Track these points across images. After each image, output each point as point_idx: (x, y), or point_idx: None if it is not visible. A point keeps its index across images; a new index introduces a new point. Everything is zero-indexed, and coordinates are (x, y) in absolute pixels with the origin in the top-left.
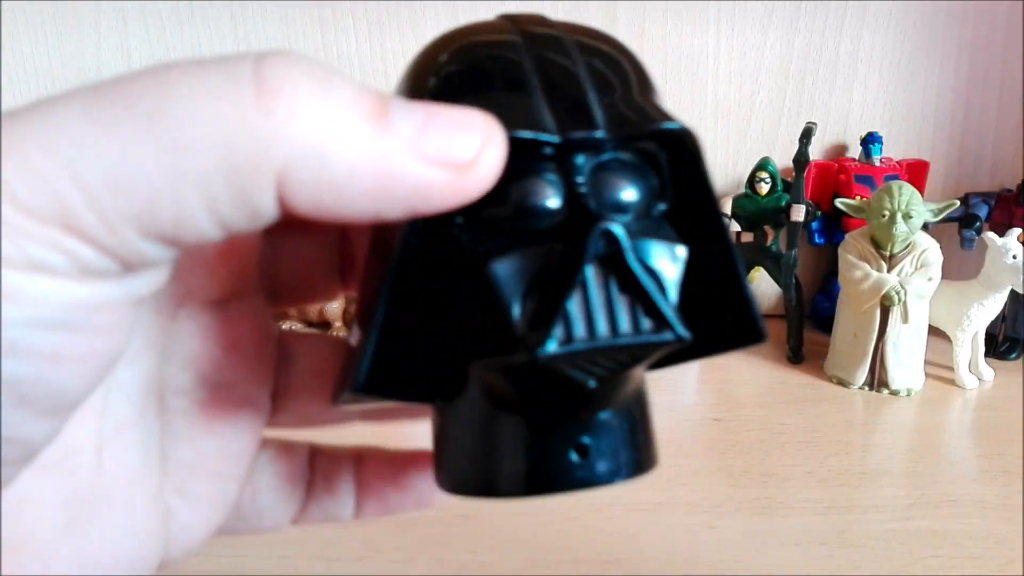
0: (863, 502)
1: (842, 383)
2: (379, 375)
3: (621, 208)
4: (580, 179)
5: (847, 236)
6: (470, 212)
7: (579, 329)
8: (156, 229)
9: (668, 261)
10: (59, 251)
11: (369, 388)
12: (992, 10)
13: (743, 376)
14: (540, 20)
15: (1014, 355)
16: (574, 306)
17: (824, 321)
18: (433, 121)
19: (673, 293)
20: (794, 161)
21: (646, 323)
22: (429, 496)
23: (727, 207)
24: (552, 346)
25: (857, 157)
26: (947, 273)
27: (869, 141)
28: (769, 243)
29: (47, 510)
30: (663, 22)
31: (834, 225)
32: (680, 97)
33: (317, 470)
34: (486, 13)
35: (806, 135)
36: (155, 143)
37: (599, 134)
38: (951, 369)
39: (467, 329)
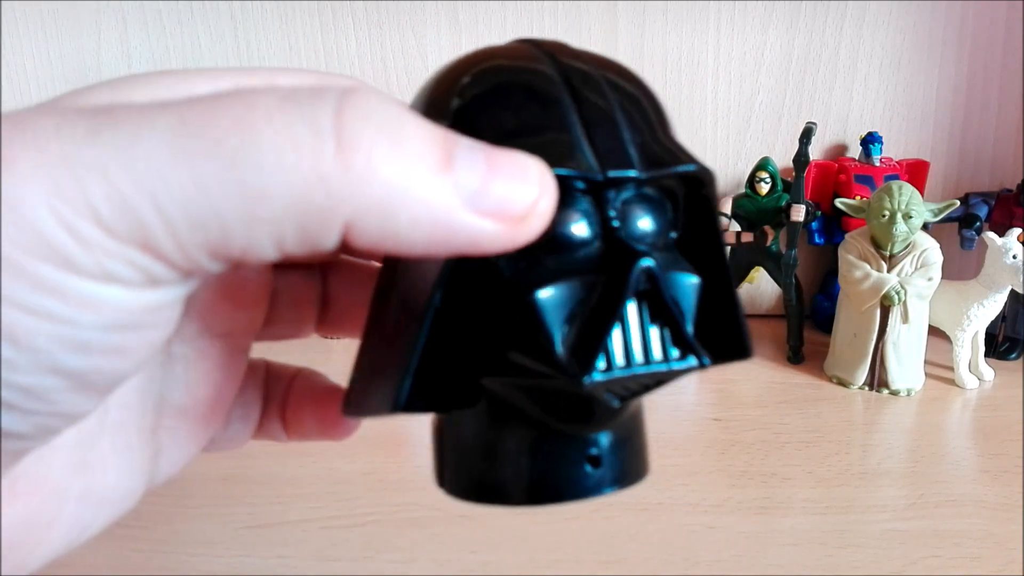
0: (863, 502)
1: (842, 383)
2: (416, 394)
3: (646, 238)
4: (612, 212)
5: (847, 236)
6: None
7: (618, 357)
8: (225, 254)
9: (687, 291)
10: (134, 267)
11: (408, 406)
12: (992, 10)
13: (743, 376)
14: (566, 49)
15: (1014, 355)
16: (613, 336)
17: (824, 321)
18: (495, 172)
19: (691, 320)
20: (794, 161)
21: (674, 352)
22: (343, 435)
23: (727, 207)
24: (596, 375)
25: (857, 157)
26: (947, 273)
27: (869, 141)
28: (769, 243)
29: (62, 454)
30: (663, 22)
31: (834, 225)
32: (680, 97)
33: (270, 389)
34: (486, 13)
35: (806, 135)
36: (236, 187)
37: (636, 173)
38: (951, 369)
39: (506, 352)
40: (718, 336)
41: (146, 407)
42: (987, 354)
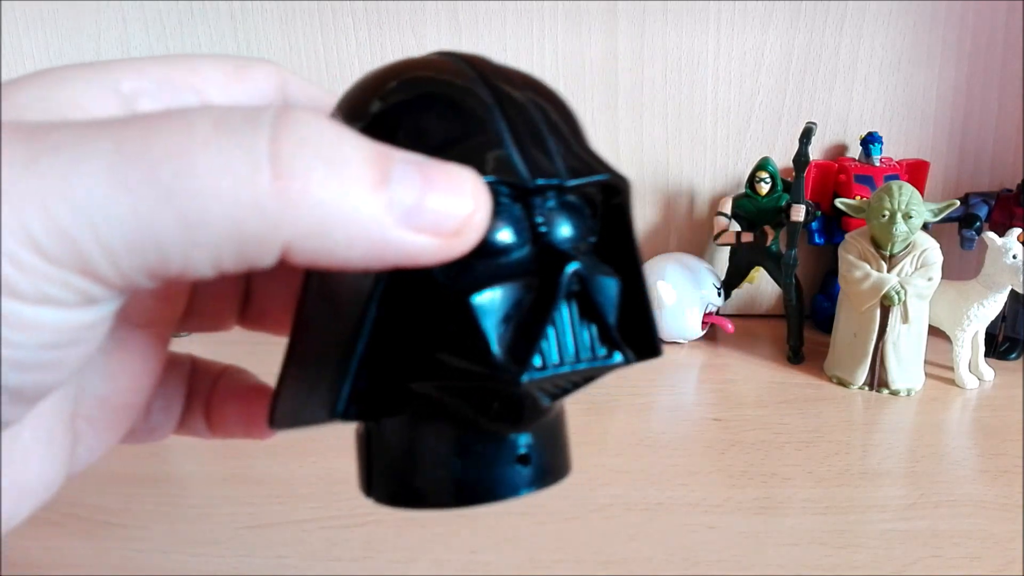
0: (863, 502)
1: (842, 383)
2: (352, 401)
3: (569, 243)
4: (540, 219)
5: (847, 236)
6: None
7: (551, 356)
8: (162, 275)
9: (609, 293)
10: (72, 290)
11: (346, 414)
12: (992, 10)
13: (743, 376)
14: (488, 63)
15: (1014, 355)
16: (549, 338)
17: (824, 321)
18: (429, 187)
19: (613, 320)
20: (794, 161)
21: (602, 350)
22: (266, 435)
23: (727, 207)
24: (533, 373)
25: (857, 157)
26: (947, 273)
27: (869, 141)
28: (769, 243)
29: None
30: (663, 22)
31: (834, 225)
32: (680, 97)
33: (194, 385)
34: (486, 13)
35: (806, 135)
36: (173, 215)
37: (561, 182)
38: (951, 369)
39: (441, 356)
40: (633, 336)
41: (66, 396)
42: (987, 354)
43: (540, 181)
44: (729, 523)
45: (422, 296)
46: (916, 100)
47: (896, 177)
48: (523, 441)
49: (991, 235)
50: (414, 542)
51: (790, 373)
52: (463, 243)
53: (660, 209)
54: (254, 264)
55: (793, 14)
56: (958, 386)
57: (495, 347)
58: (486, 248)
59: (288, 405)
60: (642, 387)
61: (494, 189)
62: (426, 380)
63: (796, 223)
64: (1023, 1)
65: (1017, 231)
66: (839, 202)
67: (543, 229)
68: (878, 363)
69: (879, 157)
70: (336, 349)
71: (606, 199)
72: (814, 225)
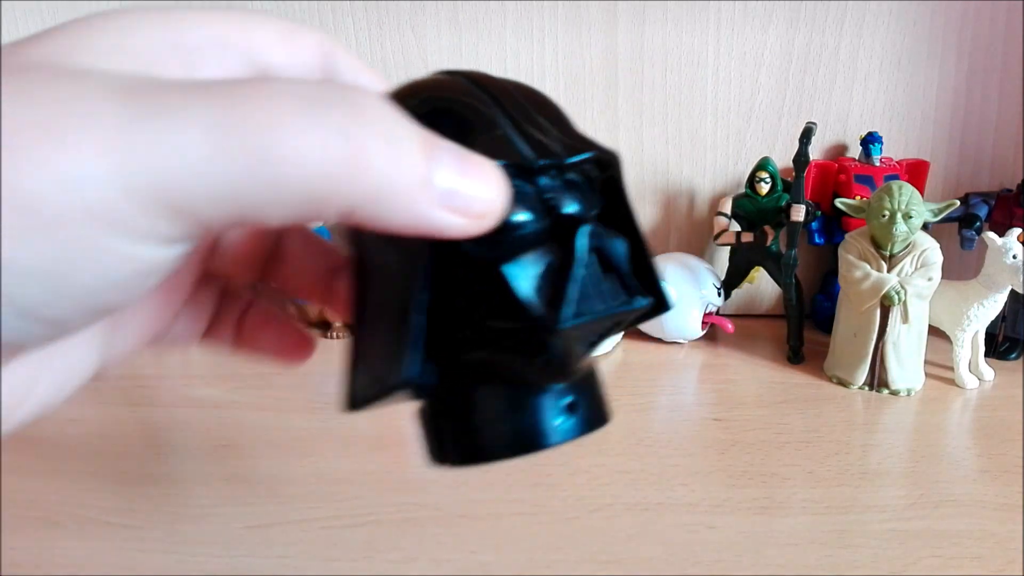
0: (863, 502)
1: (842, 383)
2: (415, 378)
3: (577, 213)
4: (549, 195)
5: (847, 236)
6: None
7: (583, 306)
8: (238, 223)
9: (620, 251)
10: (160, 233)
11: (410, 387)
12: (992, 10)
13: (743, 376)
14: (484, 75)
15: (1014, 355)
16: (577, 288)
17: (824, 321)
18: (465, 176)
19: (628, 273)
20: (794, 161)
21: (624, 296)
22: (299, 357)
23: (727, 207)
24: (569, 320)
25: (857, 157)
26: (947, 273)
27: (869, 141)
28: (769, 243)
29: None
30: (663, 22)
31: (834, 225)
32: (680, 97)
33: (225, 305)
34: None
35: (806, 135)
36: (261, 178)
37: (561, 160)
38: (951, 369)
39: (489, 323)
40: (644, 292)
41: None
42: (987, 354)
43: (543, 161)
44: (729, 523)
45: (462, 274)
46: (916, 100)
47: (896, 177)
48: (569, 393)
49: (991, 235)
50: (414, 542)
51: (790, 373)
52: (486, 223)
53: (660, 209)
54: (315, 219)
55: (793, 14)
56: (958, 386)
57: (534, 303)
58: (509, 225)
59: (358, 387)
60: (642, 387)
61: (508, 172)
62: (480, 349)
63: (796, 223)
64: (1023, 1)
65: (1017, 231)
66: (839, 202)
67: (553, 204)
68: (878, 363)
69: (879, 157)
70: (394, 335)
71: (602, 174)
72: (814, 225)
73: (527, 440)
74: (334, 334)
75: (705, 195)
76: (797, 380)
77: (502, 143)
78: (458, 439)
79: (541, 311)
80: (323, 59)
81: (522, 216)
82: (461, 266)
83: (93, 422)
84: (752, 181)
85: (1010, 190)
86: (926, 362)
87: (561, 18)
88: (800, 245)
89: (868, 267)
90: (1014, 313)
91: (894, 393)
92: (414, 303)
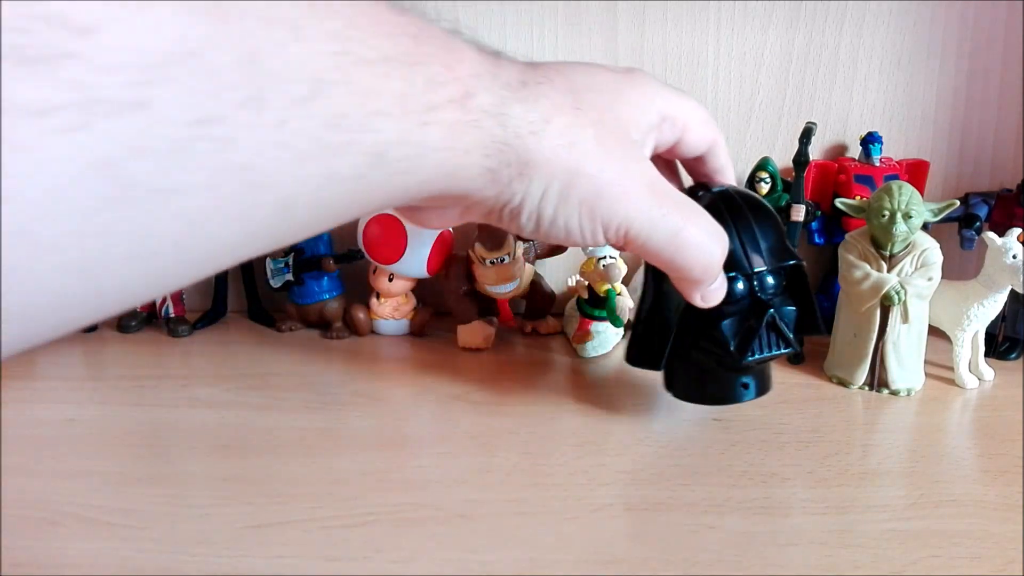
0: (863, 502)
1: (842, 383)
2: (661, 359)
3: (770, 294)
4: (756, 283)
5: (847, 236)
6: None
7: (757, 351)
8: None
9: (789, 317)
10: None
11: (646, 366)
12: (992, 10)
13: None
14: (729, 196)
15: (1014, 355)
16: (757, 341)
17: (824, 321)
18: (719, 284)
19: (791, 329)
20: (794, 161)
21: (781, 346)
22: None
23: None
24: (749, 358)
25: (857, 157)
26: (947, 273)
27: (869, 141)
28: None
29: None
30: (663, 22)
31: (834, 225)
32: None
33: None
34: (486, 12)
35: (806, 135)
36: (618, 220)
37: (767, 268)
38: (951, 369)
39: (705, 344)
40: (801, 323)
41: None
42: (987, 354)
43: (755, 269)
44: (729, 523)
45: (702, 314)
46: (916, 100)
47: (896, 177)
48: (744, 377)
49: (991, 235)
50: (414, 542)
51: (790, 373)
52: (713, 304)
53: None
54: (661, 266)
55: (793, 14)
56: (958, 386)
57: (732, 345)
58: (728, 299)
59: (634, 354)
60: (642, 387)
61: (733, 277)
62: (699, 351)
63: (796, 223)
64: (1023, 1)
65: (1017, 231)
66: (839, 202)
67: (757, 290)
68: (878, 363)
69: (879, 157)
70: (659, 331)
71: (792, 271)
72: (814, 225)
73: (715, 397)
74: (334, 334)
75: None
76: (797, 380)
77: (733, 256)
78: (680, 387)
79: (734, 351)
80: (711, 144)
81: (738, 297)
82: (702, 313)
83: (93, 422)
84: (752, 181)
85: (1010, 190)
86: (926, 362)
87: (561, 18)
88: (800, 245)
89: (868, 267)
90: (1014, 313)
91: (894, 393)
92: (672, 325)
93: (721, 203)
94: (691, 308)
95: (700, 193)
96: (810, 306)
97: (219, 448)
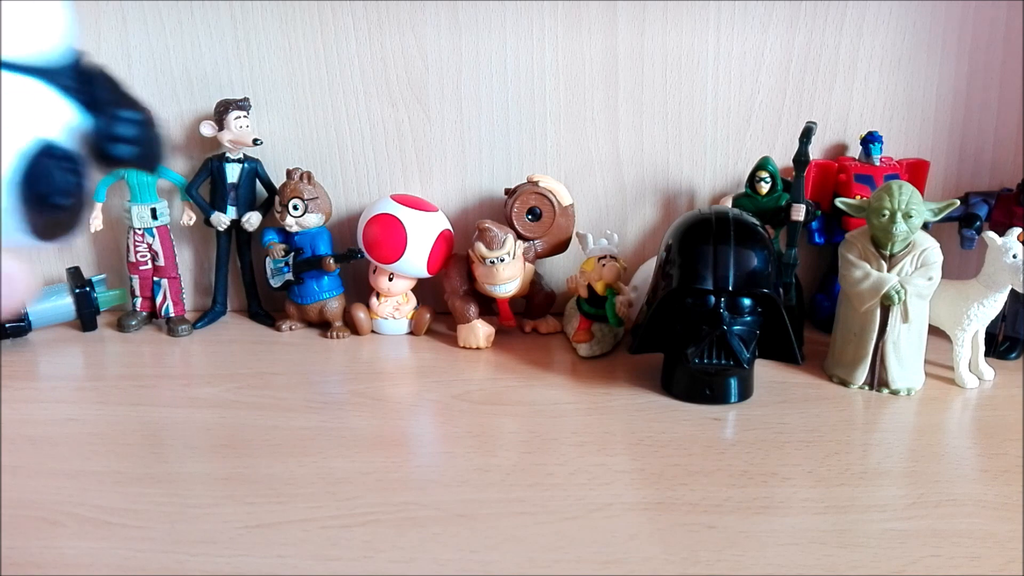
0: (863, 502)
1: (842, 383)
2: (643, 347)
3: (737, 310)
4: (723, 300)
5: (847, 235)
6: (684, 301)
7: (706, 358)
8: None
9: (743, 333)
10: None
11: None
12: (992, 10)
13: None
14: (726, 216)
15: (1014, 355)
16: (706, 349)
17: (824, 321)
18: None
19: (744, 345)
20: (794, 161)
21: (727, 360)
22: None
23: (727, 206)
24: (695, 364)
25: (857, 157)
26: (947, 273)
27: (869, 141)
28: None
29: None
30: (663, 22)
31: (834, 224)
32: (680, 97)
33: None
34: (486, 13)
35: (806, 135)
36: None
37: (731, 288)
38: (951, 369)
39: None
40: (780, 351)
41: None
42: (987, 354)
43: (720, 286)
44: (729, 523)
45: (678, 311)
46: (916, 100)
47: (896, 177)
48: (710, 380)
49: (991, 235)
50: (414, 542)
51: (790, 373)
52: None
53: (660, 209)
54: None
55: (793, 14)
56: (958, 386)
57: (690, 349)
58: (700, 309)
59: (638, 343)
60: (642, 387)
61: (699, 290)
62: (676, 349)
63: (796, 222)
64: (1023, 1)
65: (1017, 231)
66: (839, 201)
67: (722, 308)
68: (878, 363)
69: (879, 156)
70: (646, 321)
71: (764, 299)
72: (814, 225)
73: (690, 394)
74: (334, 334)
75: (705, 195)
76: (797, 380)
77: (701, 273)
78: (666, 374)
79: (690, 354)
80: None
81: (702, 307)
82: (678, 311)
83: (93, 422)
84: (752, 181)
85: (1010, 190)
86: (926, 362)
87: (561, 18)
88: (800, 245)
89: (868, 267)
90: (1014, 313)
91: (894, 393)
92: (652, 311)
93: (713, 222)
94: (683, 314)
95: (703, 209)
96: (785, 335)
97: (219, 448)
